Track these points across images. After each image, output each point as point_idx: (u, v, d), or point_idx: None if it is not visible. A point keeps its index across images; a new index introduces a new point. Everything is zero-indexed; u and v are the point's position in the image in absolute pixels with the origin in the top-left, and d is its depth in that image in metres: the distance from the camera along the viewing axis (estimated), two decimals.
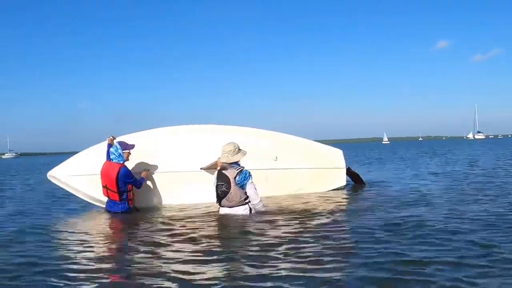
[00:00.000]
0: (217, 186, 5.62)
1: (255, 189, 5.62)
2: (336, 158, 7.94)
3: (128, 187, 6.14)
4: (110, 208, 6.24)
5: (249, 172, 5.61)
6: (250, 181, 5.56)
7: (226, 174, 5.55)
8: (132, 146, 6.23)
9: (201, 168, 6.81)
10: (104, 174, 6.14)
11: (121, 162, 6.07)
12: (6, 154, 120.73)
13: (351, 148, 52.66)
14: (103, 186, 6.21)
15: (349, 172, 8.36)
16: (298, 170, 7.49)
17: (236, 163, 5.62)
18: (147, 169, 6.62)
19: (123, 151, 6.08)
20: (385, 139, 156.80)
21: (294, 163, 7.46)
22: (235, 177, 5.51)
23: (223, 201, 5.61)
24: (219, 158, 6.04)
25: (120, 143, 6.14)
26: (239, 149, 5.68)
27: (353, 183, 8.80)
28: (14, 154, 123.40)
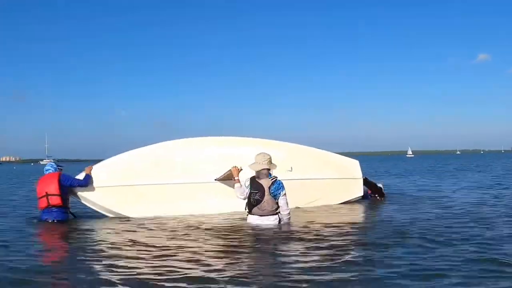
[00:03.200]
0: (250, 194, 5.66)
1: (287, 200, 5.71)
2: (353, 169, 7.86)
3: (68, 195, 6.59)
4: (47, 216, 6.39)
5: (282, 183, 5.71)
6: (283, 191, 5.67)
7: (261, 183, 5.63)
8: (62, 167, 6.93)
9: (215, 179, 6.87)
10: (43, 184, 6.46)
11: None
12: (44, 160, 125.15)
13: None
14: (41, 197, 6.40)
15: (367, 183, 8.25)
16: (314, 181, 7.45)
17: (269, 173, 5.71)
18: (91, 166, 6.89)
19: (58, 167, 6.83)
20: (410, 152, 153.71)
21: (310, 173, 7.42)
22: (269, 187, 5.59)
23: (255, 209, 5.66)
24: (231, 168, 6.10)
25: (54, 161, 7.08)
26: (270, 161, 5.77)
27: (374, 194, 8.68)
28: (52, 160, 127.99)
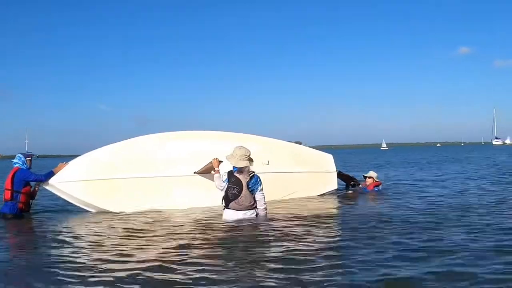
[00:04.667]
0: (228, 188, 5.64)
1: (263, 195, 5.73)
2: (327, 163, 8.12)
3: (24, 190, 6.70)
4: (2, 210, 6.68)
5: (260, 178, 5.70)
6: (261, 186, 5.68)
7: (239, 177, 5.60)
8: (32, 155, 7.06)
9: (194, 173, 7.02)
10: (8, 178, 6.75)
11: (23, 167, 6.79)
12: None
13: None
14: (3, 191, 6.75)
15: (341, 175, 8.53)
16: (290, 174, 7.66)
17: (236, 167, 5.63)
18: (65, 162, 7.01)
19: (26, 159, 6.88)
20: (384, 145, 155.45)
21: (286, 167, 7.64)
22: (247, 182, 5.59)
23: (232, 204, 5.62)
24: (212, 160, 6.26)
25: (22, 153, 7.00)
26: (250, 158, 5.71)
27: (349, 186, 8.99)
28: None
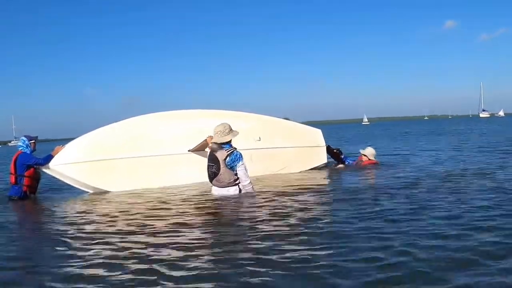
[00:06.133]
0: (208, 167, 5.80)
1: (246, 170, 5.71)
2: (316, 137, 8.40)
3: (28, 174, 6.86)
4: (9, 193, 6.96)
5: (240, 154, 5.69)
6: (240, 162, 5.66)
7: (216, 155, 5.67)
8: (35, 137, 7.15)
9: (188, 150, 7.19)
10: (13, 161, 6.91)
11: (27, 151, 6.97)
12: (12, 142, 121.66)
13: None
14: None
15: (329, 150, 8.81)
16: (280, 150, 7.93)
17: (228, 143, 5.75)
18: (62, 145, 7.10)
19: (30, 141, 7.03)
20: (365, 120, 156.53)
21: (277, 143, 7.90)
22: (225, 159, 5.62)
23: (214, 181, 5.77)
24: (206, 138, 6.47)
25: (26, 136, 7.11)
26: (231, 130, 5.77)
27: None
28: (24, 136, 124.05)
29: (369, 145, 9.39)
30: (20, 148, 6.99)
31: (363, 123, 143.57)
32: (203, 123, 7.04)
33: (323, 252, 3.24)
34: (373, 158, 8.70)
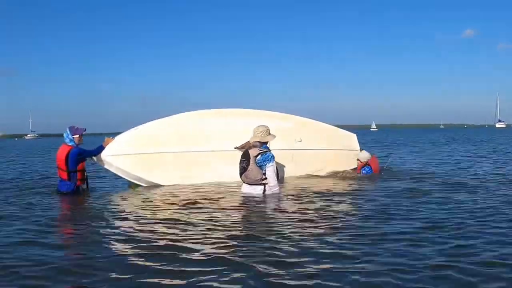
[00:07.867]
0: (240, 162, 6.11)
1: (275, 172, 5.94)
2: (351, 141, 8.75)
3: (79, 167, 6.70)
4: (59, 188, 6.71)
5: (273, 156, 5.94)
6: (270, 163, 5.89)
7: (250, 152, 5.96)
8: (82, 130, 6.78)
9: (235, 148, 7.46)
10: (57, 156, 6.70)
11: (72, 145, 6.67)
12: (28, 135, 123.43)
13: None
14: (56, 167, 6.76)
15: None
16: (319, 151, 8.26)
17: (265, 144, 6.06)
18: (111, 137, 7.16)
19: (73, 136, 6.68)
20: (373, 126, 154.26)
21: (316, 144, 8.24)
22: (256, 156, 5.88)
23: (242, 177, 6.07)
24: (250, 139, 6.82)
25: (70, 128, 6.71)
26: (269, 133, 6.11)
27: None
28: (36, 135, 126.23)
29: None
30: (70, 144, 6.68)
31: (371, 129, 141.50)
32: (251, 122, 7.35)
33: (351, 253, 3.37)
34: (362, 161, 8.33)
